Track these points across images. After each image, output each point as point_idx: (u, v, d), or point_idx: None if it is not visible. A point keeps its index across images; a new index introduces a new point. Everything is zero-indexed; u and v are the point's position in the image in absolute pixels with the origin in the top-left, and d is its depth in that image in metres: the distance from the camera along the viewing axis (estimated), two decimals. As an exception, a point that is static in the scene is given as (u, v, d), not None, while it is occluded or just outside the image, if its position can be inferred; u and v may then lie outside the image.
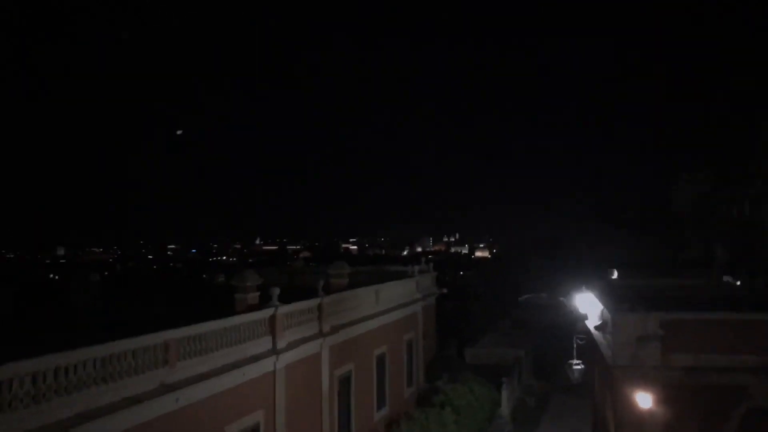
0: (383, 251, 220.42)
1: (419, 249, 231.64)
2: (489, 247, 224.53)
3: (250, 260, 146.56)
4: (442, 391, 26.94)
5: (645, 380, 14.90)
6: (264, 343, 16.57)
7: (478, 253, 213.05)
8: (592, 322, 20.37)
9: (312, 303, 19.29)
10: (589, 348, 22.18)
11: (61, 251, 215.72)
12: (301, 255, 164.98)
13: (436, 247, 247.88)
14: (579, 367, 22.40)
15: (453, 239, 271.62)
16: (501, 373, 30.89)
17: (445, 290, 36.31)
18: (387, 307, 25.72)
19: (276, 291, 17.11)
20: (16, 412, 9.74)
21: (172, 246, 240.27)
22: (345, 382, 21.67)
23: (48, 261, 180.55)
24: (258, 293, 18.04)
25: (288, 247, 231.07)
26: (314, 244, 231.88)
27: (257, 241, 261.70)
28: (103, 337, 11.89)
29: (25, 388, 9.96)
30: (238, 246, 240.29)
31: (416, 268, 31.30)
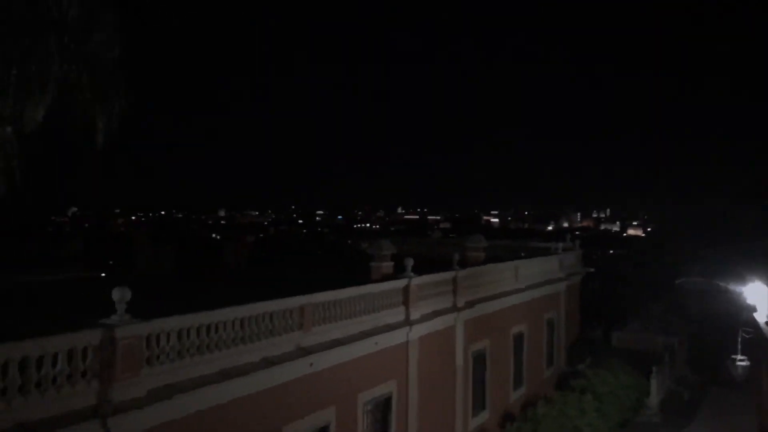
0: (526, 225, 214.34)
1: (566, 224, 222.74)
2: (643, 225, 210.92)
3: (392, 228, 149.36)
4: (583, 375, 25.58)
5: (827, 387, 12.92)
6: (397, 314, 16.46)
7: (631, 231, 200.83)
8: (761, 316, 18.12)
9: (446, 276, 18.88)
10: (757, 343, 19.84)
11: (222, 212, 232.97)
12: (441, 226, 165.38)
13: (585, 223, 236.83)
14: (744, 363, 20.16)
15: (603, 215, 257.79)
16: (651, 360, 28.76)
17: (591, 269, 34.35)
18: (527, 284, 24.70)
19: (410, 262, 16.87)
20: (163, 365, 10.31)
21: (320, 212, 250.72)
22: (480, 358, 21.17)
23: (210, 222, 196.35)
24: (392, 263, 17.95)
25: (428, 217, 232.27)
26: (455, 215, 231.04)
27: (399, 210, 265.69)
28: (245, 298, 12.32)
29: (171, 342, 10.51)
30: (381, 214, 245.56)
31: (560, 245, 29.80)
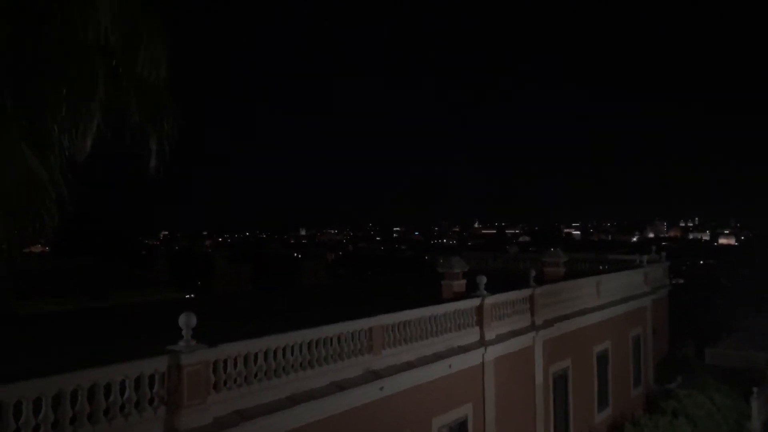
0: (609, 237, 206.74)
1: (651, 235, 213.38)
2: (736, 233, 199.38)
3: (469, 243, 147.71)
4: (674, 395, 23.97)
5: None
6: (471, 334, 15.86)
7: (722, 240, 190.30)
8: None
9: (522, 294, 18.09)
10: None
11: (303, 231, 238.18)
12: (520, 239, 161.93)
13: (672, 233, 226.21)
14: None
15: (691, 224, 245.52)
16: (751, 379, 26.64)
17: (681, 281, 32.43)
18: (609, 300, 23.45)
19: (482, 279, 16.24)
20: (230, 391, 10.20)
21: (398, 228, 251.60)
22: (561, 378, 20.17)
23: (292, 241, 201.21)
24: (464, 281, 17.38)
25: (507, 231, 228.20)
26: (534, 228, 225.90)
27: (476, 225, 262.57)
28: (315, 319, 12.13)
29: (237, 368, 10.39)
30: (457, 229, 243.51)
31: (644, 257, 28.22)
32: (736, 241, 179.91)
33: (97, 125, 5.48)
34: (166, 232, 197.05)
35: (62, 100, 5.39)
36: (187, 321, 9.72)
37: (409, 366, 13.73)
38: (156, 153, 6.18)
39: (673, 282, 31.91)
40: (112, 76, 5.75)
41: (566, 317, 20.26)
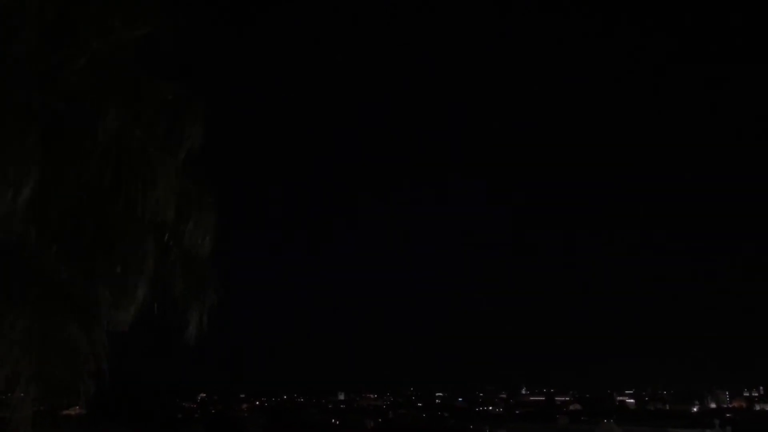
0: (666, 406, 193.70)
1: (713, 405, 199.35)
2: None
3: (516, 411, 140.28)
4: None
5: None
6: None
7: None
8: None
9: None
10: None
11: (341, 396, 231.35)
12: (570, 407, 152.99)
13: (735, 403, 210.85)
14: None
15: (757, 394, 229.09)
16: None
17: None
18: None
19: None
20: None
21: (440, 394, 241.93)
22: None
23: (330, 405, 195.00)
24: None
25: (556, 398, 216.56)
26: (585, 395, 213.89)
27: (523, 391, 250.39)
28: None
29: None
30: (504, 396, 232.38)
31: (708, 432, 26.15)
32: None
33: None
34: (204, 395, 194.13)
35: (114, 274, 5.64)
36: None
37: None
38: (195, 324, 6.30)
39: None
40: (161, 250, 6.03)
41: (625, 501, 18.46)
